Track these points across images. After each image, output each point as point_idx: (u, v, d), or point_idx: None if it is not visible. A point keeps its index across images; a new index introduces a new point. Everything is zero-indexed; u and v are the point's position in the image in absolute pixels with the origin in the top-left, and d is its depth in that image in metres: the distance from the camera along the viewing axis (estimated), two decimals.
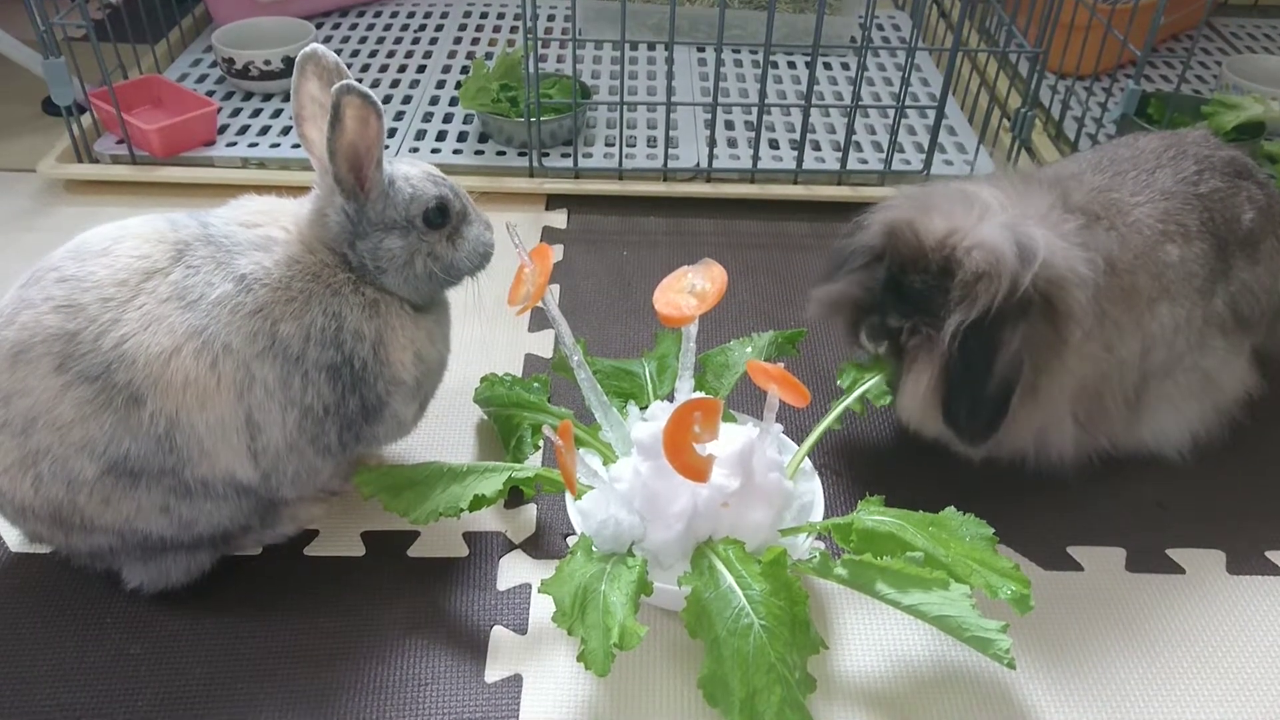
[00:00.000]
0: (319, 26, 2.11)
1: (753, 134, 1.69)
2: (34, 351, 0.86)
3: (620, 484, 0.98)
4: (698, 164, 1.69)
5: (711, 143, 1.65)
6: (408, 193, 0.95)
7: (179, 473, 0.90)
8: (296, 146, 1.69)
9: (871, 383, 1.10)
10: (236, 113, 1.80)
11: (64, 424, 0.86)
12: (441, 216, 0.97)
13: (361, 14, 2.22)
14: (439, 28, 2.18)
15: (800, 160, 1.67)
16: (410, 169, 0.97)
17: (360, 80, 1.92)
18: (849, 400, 1.09)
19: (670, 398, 1.11)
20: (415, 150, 1.71)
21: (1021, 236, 0.98)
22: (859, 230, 1.11)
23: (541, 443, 1.16)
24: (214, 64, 1.94)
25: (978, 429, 1.02)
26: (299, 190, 1.00)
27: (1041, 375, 1.01)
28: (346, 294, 0.95)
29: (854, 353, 1.14)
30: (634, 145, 1.77)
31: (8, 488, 0.90)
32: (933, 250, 1.00)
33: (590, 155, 1.71)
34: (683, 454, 0.88)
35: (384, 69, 1.98)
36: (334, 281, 0.95)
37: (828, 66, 2.07)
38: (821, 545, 1.06)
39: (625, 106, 1.63)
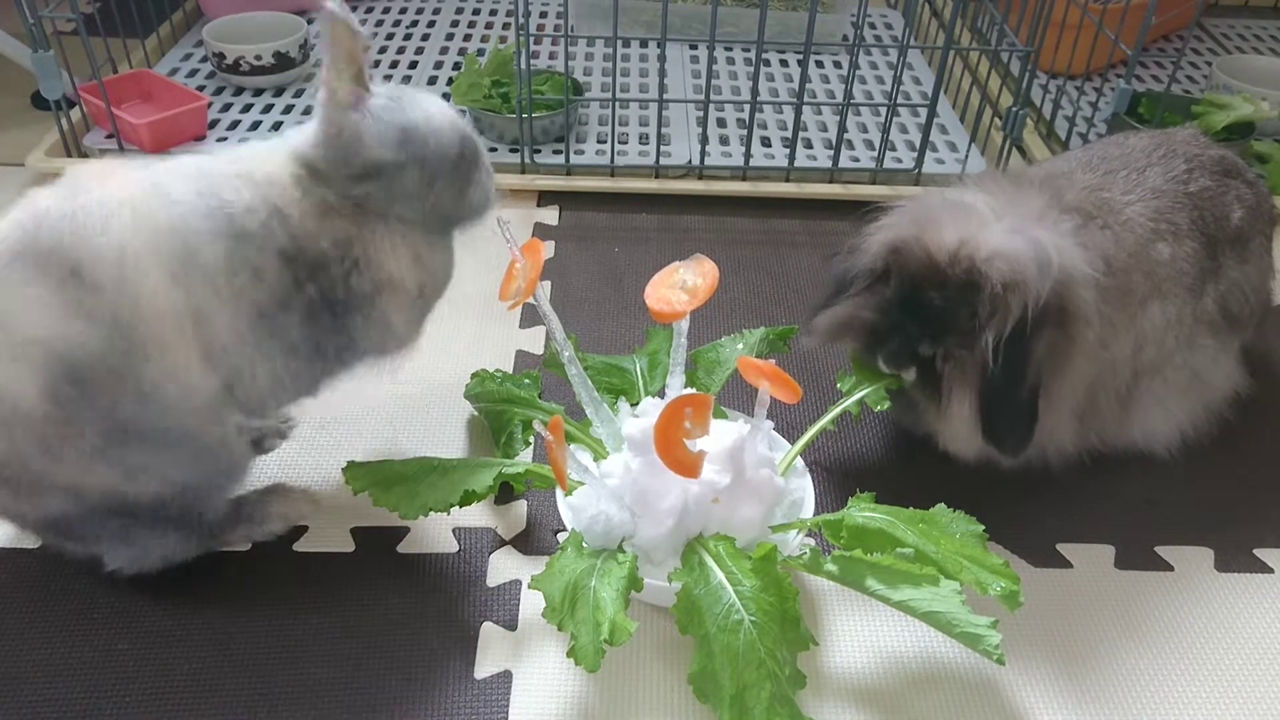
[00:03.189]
0: (310, 21, 2.10)
1: (745, 131, 1.69)
2: None
3: (611, 480, 0.98)
4: (690, 161, 1.69)
5: (704, 140, 1.65)
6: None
7: (137, 374, 0.85)
8: None
9: (868, 390, 1.09)
10: (227, 108, 1.79)
11: (17, 325, 0.81)
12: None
13: (354, 9, 2.21)
14: (431, 23, 2.17)
15: (792, 158, 1.67)
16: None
17: None
18: (845, 404, 1.09)
19: (661, 394, 1.11)
20: None
21: (1032, 241, 0.97)
22: (852, 254, 1.09)
23: (532, 439, 1.15)
24: (205, 59, 1.93)
25: (1018, 440, 1.01)
26: None
27: (1053, 378, 1.01)
28: (307, 187, 0.91)
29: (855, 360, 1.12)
30: (626, 142, 1.76)
31: None
32: (948, 265, 0.97)
33: (582, 152, 1.71)
34: (674, 450, 0.88)
35: (376, 64, 1.98)
36: (298, 176, 0.91)
37: (820, 64, 2.07)
38: (812, 541, 1.06)
39: (617, 103, 1.63)
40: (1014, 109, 1.69)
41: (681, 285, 1.02)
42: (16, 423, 0.84)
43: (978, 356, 0.98)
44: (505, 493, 1.12)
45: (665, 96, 1.60)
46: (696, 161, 1.68)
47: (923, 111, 1.82)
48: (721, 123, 1.84)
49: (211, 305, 0.87)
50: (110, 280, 0.83)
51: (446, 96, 1.84)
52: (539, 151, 1.70)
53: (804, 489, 1.04)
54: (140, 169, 0.89)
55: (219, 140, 1.68)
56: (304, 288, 0.91)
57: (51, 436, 0.85)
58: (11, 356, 0.82)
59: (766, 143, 1.78)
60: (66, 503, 0.90)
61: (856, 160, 1.73)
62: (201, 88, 1.83)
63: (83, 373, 0.83)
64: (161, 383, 0.86)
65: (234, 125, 1.73)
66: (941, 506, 0.95)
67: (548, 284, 1.47)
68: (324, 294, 0.92)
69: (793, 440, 1.08)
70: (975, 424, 1.01)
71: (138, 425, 0.87)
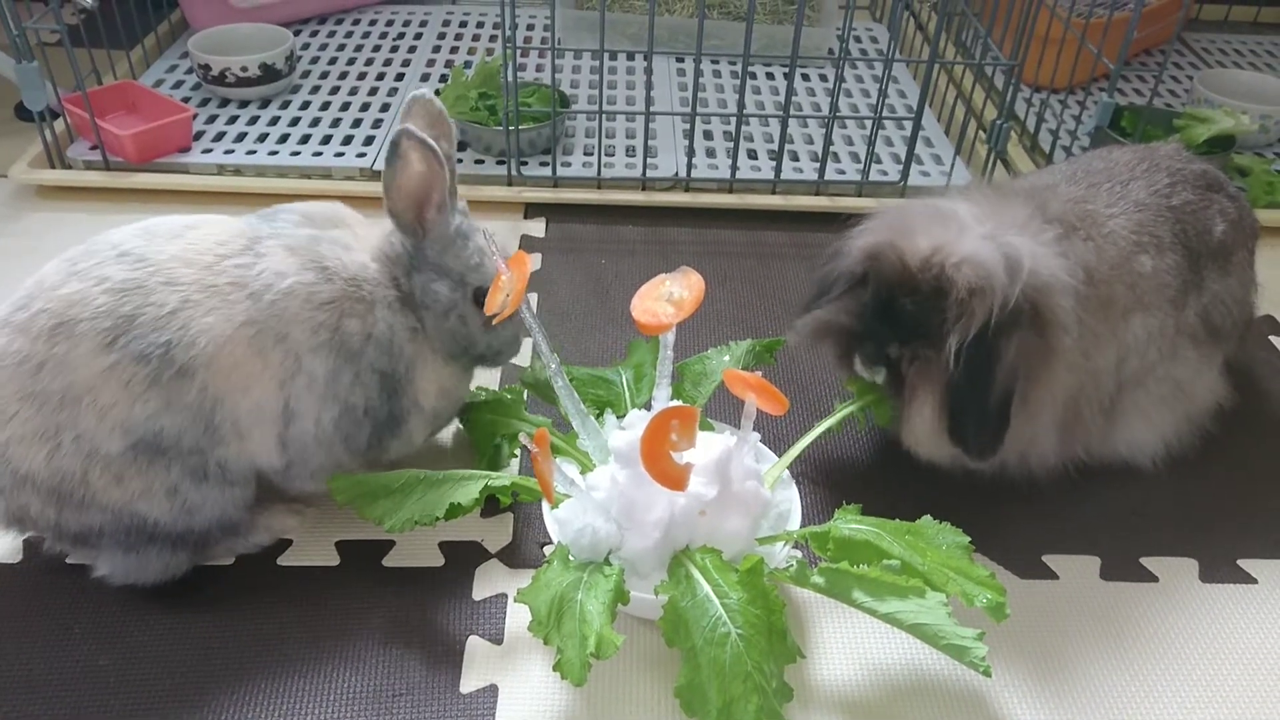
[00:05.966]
0: (297, 33, 2.09)
1: (731, 144, 1.70)
2: (80, 326, 0.86)
3: (597, 492, 0.97)
4: (676, 173, 1.69)
5: (690, 152, 1.66)
6: (474, 261, 1.01)
7: (206, 452, 0.91)
8: (273, 154, 1.68)
9: (862, 404, 1.10)
10: (213, 119, 1.79)
11: (106, 403, 0.86)
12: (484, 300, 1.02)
13: (340, 21, 2.21)
14: (418, 36, 2.17)
15: (778, 170, 1.68)
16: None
17: (338, 88, 1.93)
18: (839, 416, 1.09)
19: (648, 406, 1.11)
20: None
21: (1005, 247, 0.99)
22: (836, 257, 1.11)
23: (518, 451, 1.15)
24: (190, 70, 1.92)
25: (986, 443, 1.02)
26: (271, 198, 1.00)
27: (1031, 385, 1.01)
28: (397, 311, 1.00)
29: (847, 376, 1.13)
30: (613, 154, 1.77)
31: (17, 456, 0.88)
32: (920, 271, 1.00)
33: (569, 164, 1.71)
34: (660, 462, 0.88)
35: (362, 76, 1.98)
36: (390, 298, 1.00)
37: (806, 77, 2.08)
38: (799, 554, 1.05)
39: (604, 115, 1.63)
40: (998, 122, 1.70)
41: (668, 297, 1.02)
42: (97, 461, 0.89)
43: (943, 359, 0.99)
44: (491, 506, 1.12)
45: (652, 109, 1.60)
46: (683, 174, 1.68)
47: (908, 124, 1.83)
48: (708, 135, 1.85)
49: (306, 405, 0.94)
50: (200, 370, 0.89)
51: None
52: (526, 164, 1.70)
53: (791, 501, 1.04)
54: (237, 256, 0.93)
55: (204, 152, 1.67)
56: (389, 402, 1.00)
57: (129, 475, 0.90)
58: (99, 418, 0.87)
59: (753, 155, 1.78)
60: (104, 518, 0.92)
61: (842, 173, 1.74)
62: (187, 99, 1.83)
63: (162, 443, 0.89)
64: (236, 458, 0.94)
65: (219, 137, 1.73)
66: (928, 518, 0.96)
67: (534, 296, 1.47)
68: (392, 411, 1.01)
69: (779, 452, 1.08)
70: (938, 426, 1.02)
71: (209, 475, 0.93)
